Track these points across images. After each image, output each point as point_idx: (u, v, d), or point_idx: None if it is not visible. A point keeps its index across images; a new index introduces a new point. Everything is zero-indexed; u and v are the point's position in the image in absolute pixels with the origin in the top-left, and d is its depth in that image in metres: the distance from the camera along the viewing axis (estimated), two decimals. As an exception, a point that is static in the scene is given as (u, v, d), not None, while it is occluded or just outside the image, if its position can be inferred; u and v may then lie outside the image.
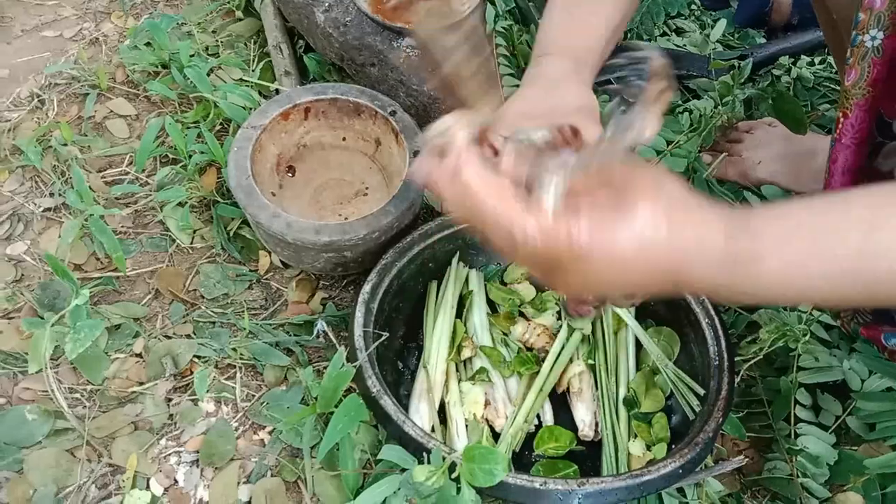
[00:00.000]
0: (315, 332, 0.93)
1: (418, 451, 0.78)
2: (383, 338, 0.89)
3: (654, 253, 0.52)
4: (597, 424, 0.90)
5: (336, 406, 0.86)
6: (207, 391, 0.96)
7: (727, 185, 1.17)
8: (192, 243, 1.11)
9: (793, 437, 0.88)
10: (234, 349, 0.98)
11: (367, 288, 0.91)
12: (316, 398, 0.86)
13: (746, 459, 0.82)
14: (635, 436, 0.89)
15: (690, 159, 1.15)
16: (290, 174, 1.09)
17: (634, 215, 0.51)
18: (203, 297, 1.06)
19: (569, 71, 0.81)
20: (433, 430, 0.88)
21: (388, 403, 0.80)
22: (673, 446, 0.86)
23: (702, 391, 0.83)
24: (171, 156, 1.19)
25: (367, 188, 1.09)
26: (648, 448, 0.88)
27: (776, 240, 0.53)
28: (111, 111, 1.27)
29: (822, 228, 0.53)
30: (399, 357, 0.98)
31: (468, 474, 0.74)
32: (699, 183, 1.14)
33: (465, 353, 0.95)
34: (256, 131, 1.01)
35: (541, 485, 0.74)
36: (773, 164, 1.17)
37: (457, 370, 0.95)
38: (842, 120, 0.82)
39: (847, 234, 0.52)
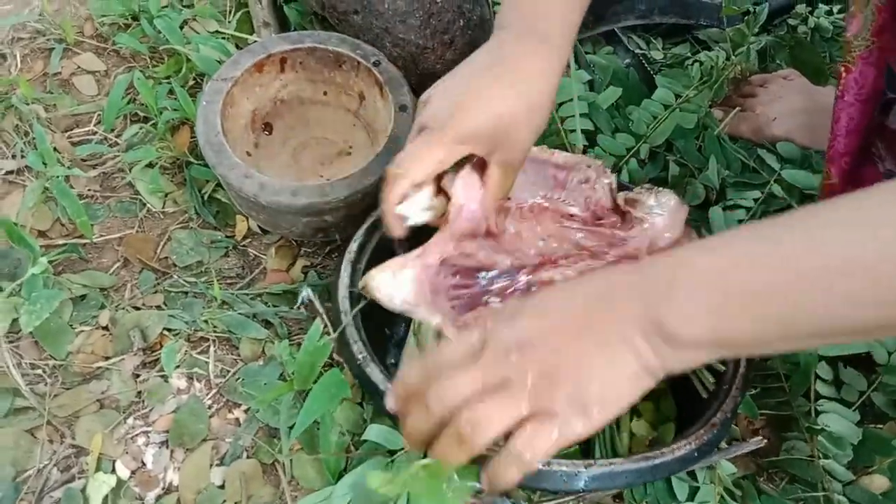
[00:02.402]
0: (299, 300, 0.85)
1: None
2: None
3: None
4: None
5: (315, 382, 0.79)
6: (178, 366, 0.89)
7: (740, 143, 1.09)
8: (163, 208, 1.04)
9: (813, 415, 0.81)
10: (206, 321, 0.91)
11: (353, 246, 0.83)
12: (293, 374, 0.79)
13: (764, 441, 0.75)
14: (639, 415, 0.81)
15: (700, 114, 1.06)
16: (266, 132, 1.01)
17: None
18: (175, 266, 0.98)
19: (513, 55, 0.71)
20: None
21: (374, 372, 0.73)
22: (680, 426, 0.79)
23: (721, 367, 0.75)
24: (141, 114, 1.11)
25: (350, 147, 1.00)
26: (654, 428, 0.80)
27: (697, 249, 0.52)
28: (79, 67, 1.18)
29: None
30: (387, 323, 0.90)
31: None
32: (710, 140, 1.06)
33: (458, 323, 0.88)
34: (227, 84, 0.92)
35: (543, 465, 0.67)
36: (790, 119, 1.08)
37: (449, 341, 0.87)
38: (844, 75, 0.75)
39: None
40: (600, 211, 0.84)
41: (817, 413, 0.81)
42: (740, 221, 0.97)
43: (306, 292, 0.82)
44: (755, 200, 0.99)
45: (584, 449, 0.80)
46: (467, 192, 0.75)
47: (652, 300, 0.50)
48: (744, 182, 1.03)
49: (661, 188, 0.84)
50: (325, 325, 0.76)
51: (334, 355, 0.87)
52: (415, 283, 0.73)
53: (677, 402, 0.82)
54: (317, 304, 0.78)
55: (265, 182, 0.85)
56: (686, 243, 0.79)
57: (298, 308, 0.90)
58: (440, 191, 0.76)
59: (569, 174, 0.84)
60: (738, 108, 1.11)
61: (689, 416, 0.79)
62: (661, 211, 0.82)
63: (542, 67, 0.71)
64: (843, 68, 0.73)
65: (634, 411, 0.82)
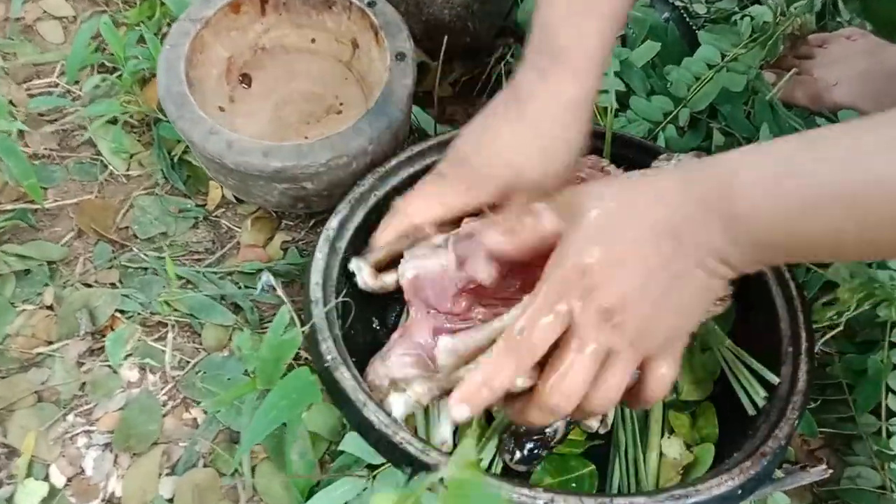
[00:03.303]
0: (259, 287, 0.72)
1: (380, 445, 0.58)
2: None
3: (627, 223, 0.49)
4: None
5: (283, 382, 0.65)
6: (129, 355, 0.76)
7: (795, 111, 0.94)
8: (127, 170, 0.90)
9: (884, 435, 0.67)
10: (165, 303, 0.78)
11: (333, 223, 0.69)
12: (254, 371, 0.66)
13: (830, 471, 0.61)
14: (671, 431, 0.67)
15: (750, 76, 0.91)
16: (244, 85, 0.87)
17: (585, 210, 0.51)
18: (136, 237, 0.85)
19: (547, 93, 0.63)
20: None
21: (345, 377, 0.59)
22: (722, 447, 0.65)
23: (776, 379, 0.61)
24: (109, 64, 0.98)
25: (341, 104, 0.86)
26: (688, 448, 0.67)
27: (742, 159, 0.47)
28: (44, 11, 1.05)
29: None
30: (376, 313, 0.77)
31: None
32: (761, 105, 0.91)
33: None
34: (196, 25, 0.78)
35: (546, 502, 0.54)
36: (853, 84, 0.94)
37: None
38: None
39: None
40: None
41: (889, 434, 0.67)
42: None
43: (266, 277, 0.68)
44: (813, 177, 0.84)
45: (601, 471, 0.67)
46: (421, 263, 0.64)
47: (724, 225, 0.46)
48: (800, 156, 0.88)
49: (680, 153, 0.70)
50: (294, 315, 0.63)
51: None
52: (411, 365, 0.61)
53: (719, 417, 0.68)
54: (280, 292, 0.64)
55: (233, 140, 0.71)
56: None
57: (261, 293, 0.77)
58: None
59: None
60: (793, 71, 0.95)
61: (732, 436, 0.65)
62: None
63: (560, 99, 0.62)
64: None
65: (666, 426, 0.68)
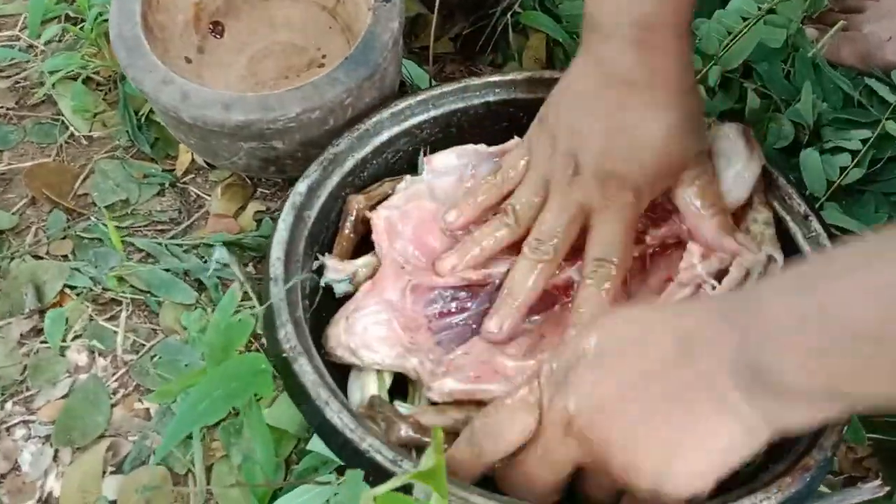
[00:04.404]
0: (211, 266, 0.64)
1: (344, 452, 0.49)
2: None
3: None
4: None
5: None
6: (78, 336, 0.67)
7: (841, 70, 0.83)
8: (90, 131, 0.82)
9: (947, 446, 0.57)
10: (118, 278, 0.69)
11: (301, 187, 0.60)
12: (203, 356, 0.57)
13: (886, 488, 0.51)
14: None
15: (791, 30, 0.81)
16: (215, 35, 0.77)
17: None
18: (94, 205, 0.76)
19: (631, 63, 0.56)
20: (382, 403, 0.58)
21: (305, 370, 0.50)
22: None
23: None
24: (77, 16, 0.89)
25: (324, 56, 0.77)
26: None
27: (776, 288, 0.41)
28: (9, -41, 0.97)
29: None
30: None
31: None
32: (802, 64, 0.81)
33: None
34: (156, -38, 0.69)
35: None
36: (910, 42, 0.83)
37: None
38: None
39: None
40: None
41: (952, 442, 0.57)
42: (843, 169, 0.73)
43: (219, 253, 0.60)
44: (863, 142, 0.75)
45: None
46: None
47: (742, 342, 0.39)
48: (846, 119, 0.78)
49: (722, 122, 0.62)
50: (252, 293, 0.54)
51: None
52: (380, 325, 0.54)
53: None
54: (235, 269, 0.55)
55: (190, 91, 0.62)
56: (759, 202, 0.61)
57: (213, 274, 0.67)
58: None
59: None
60: (839, 25, 0.86)
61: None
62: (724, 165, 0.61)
63: (684, 66, 0.58)
64: None
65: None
